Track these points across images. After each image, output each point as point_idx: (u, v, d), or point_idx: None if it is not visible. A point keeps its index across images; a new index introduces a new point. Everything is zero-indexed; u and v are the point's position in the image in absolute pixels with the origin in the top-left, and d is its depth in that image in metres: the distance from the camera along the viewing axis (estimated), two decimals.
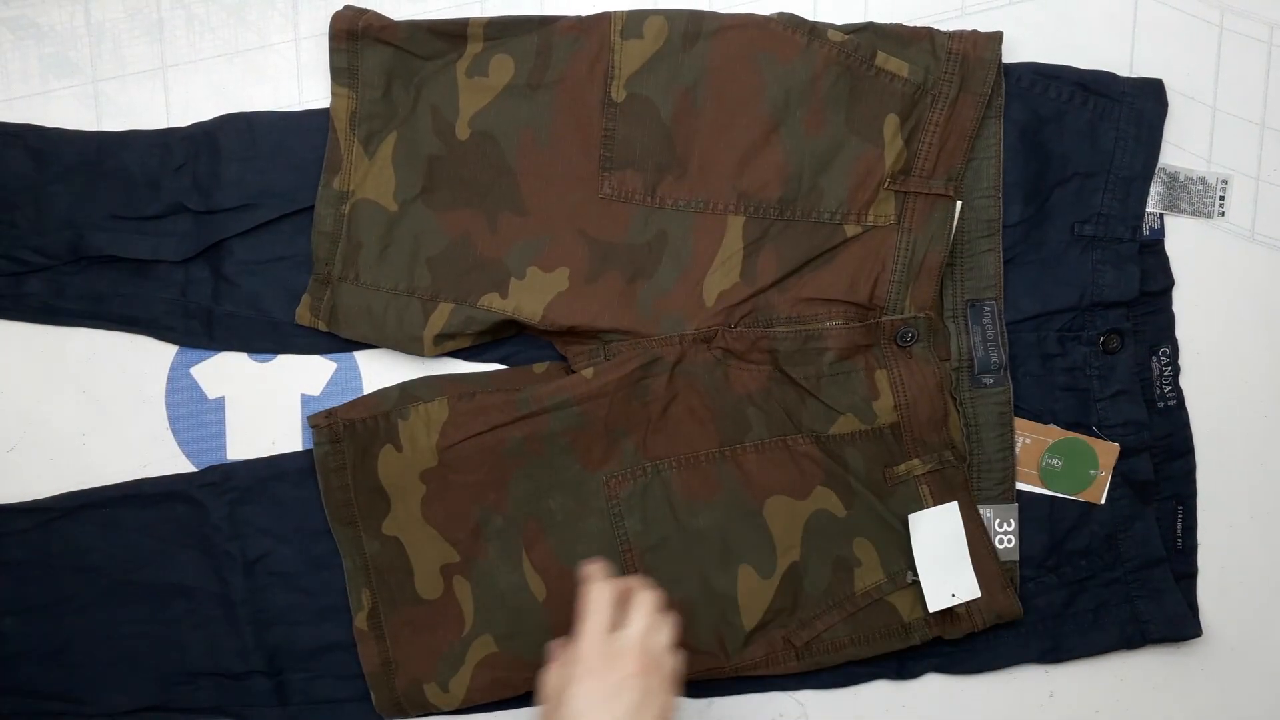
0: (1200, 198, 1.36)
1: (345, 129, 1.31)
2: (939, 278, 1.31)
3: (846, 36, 1.30)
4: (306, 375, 1.36)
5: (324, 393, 1.36)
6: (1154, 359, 1.36)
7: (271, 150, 1.33)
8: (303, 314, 1.33)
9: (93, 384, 1.36)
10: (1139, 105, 1.33)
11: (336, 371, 1.36)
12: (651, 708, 1.10)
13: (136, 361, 1.36)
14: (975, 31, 1.30)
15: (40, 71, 1.36)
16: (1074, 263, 1.34)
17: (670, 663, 1.15)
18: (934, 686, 1.37)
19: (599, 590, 1.16)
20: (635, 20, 1.30)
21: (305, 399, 1.36)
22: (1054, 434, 1.34)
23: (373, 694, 1.33)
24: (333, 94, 1.32)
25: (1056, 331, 1.34)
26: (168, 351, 1.36)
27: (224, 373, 1.36)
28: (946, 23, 1.35)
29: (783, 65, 1.29)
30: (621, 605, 1.16)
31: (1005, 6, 1.36)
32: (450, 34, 1.31)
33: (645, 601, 1.16)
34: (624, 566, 1.32)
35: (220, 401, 1.36)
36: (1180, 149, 1.36)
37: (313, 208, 1.32)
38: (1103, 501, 1.35)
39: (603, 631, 1.14)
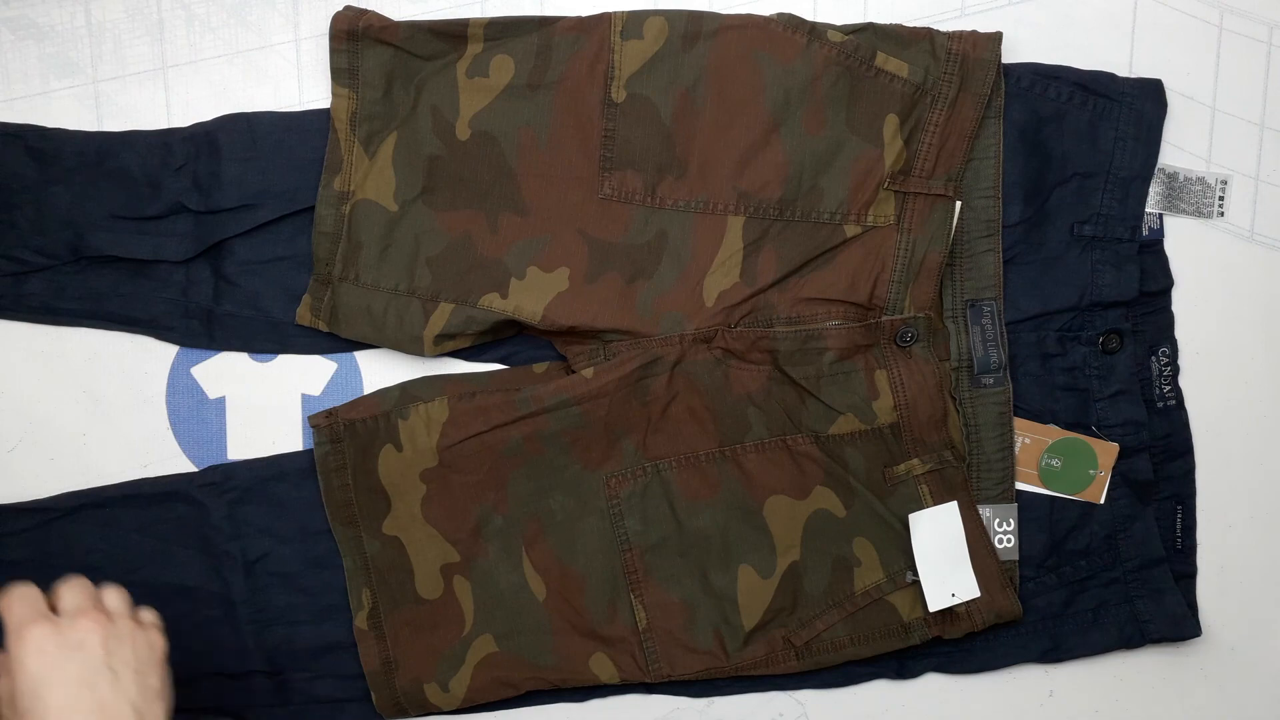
0: (1199, 198, 1.36)
1: (346, 129, 1.31)
2: (939, 278, 1.31)
3: (846, 37, 1.30)
4: (307, 375, 1.36)
5: (324, 393, 1.36)
6: (1153, 359, 1.36)
7: (272, 150, 1.33)
8: (303, 314, 1.33)
9: (93, 384, 1.36)
10: (1138, 105, 1.34)
11: (337, 371, 1.36)
12: (125, 653, 0.99)
13: (137, 361, 1.36)
14: (975, 32, 1.30)
15: (40, 71, 1.36)
16: (1074, 263, 1.34)
17: (145, 616, 1.04)
18: (934, 686, 1.37)
19: (17, 591, 1.01)
20: (635, 20, 1.30)
21: (305, 399, 1.36)
22: (1053, 434, 1.34)
23: (373, 694, 1.33)
24: (333, 94, 1.32)
25: (1056, 331, 1.34)
26: (168, 351, 1.36)
27: (224, 373, 1.36)
28: (946, 23, 1.35)
29: (783, 65, 1.29)
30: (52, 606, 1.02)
31: (1005, 6, 1.36)
32: (450, 34, 1.31)
33: (75, 580, 1.03)
34: (624, 566, 1.32)
35: (221, 401, 1.36)
36: (1180, 149, 1.36)
37: (313, 208, 1.32)
38: (1102, 501, 1.35)
39: (38, 610, 0.99)
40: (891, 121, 1.29)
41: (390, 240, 1.32)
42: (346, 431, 1.31)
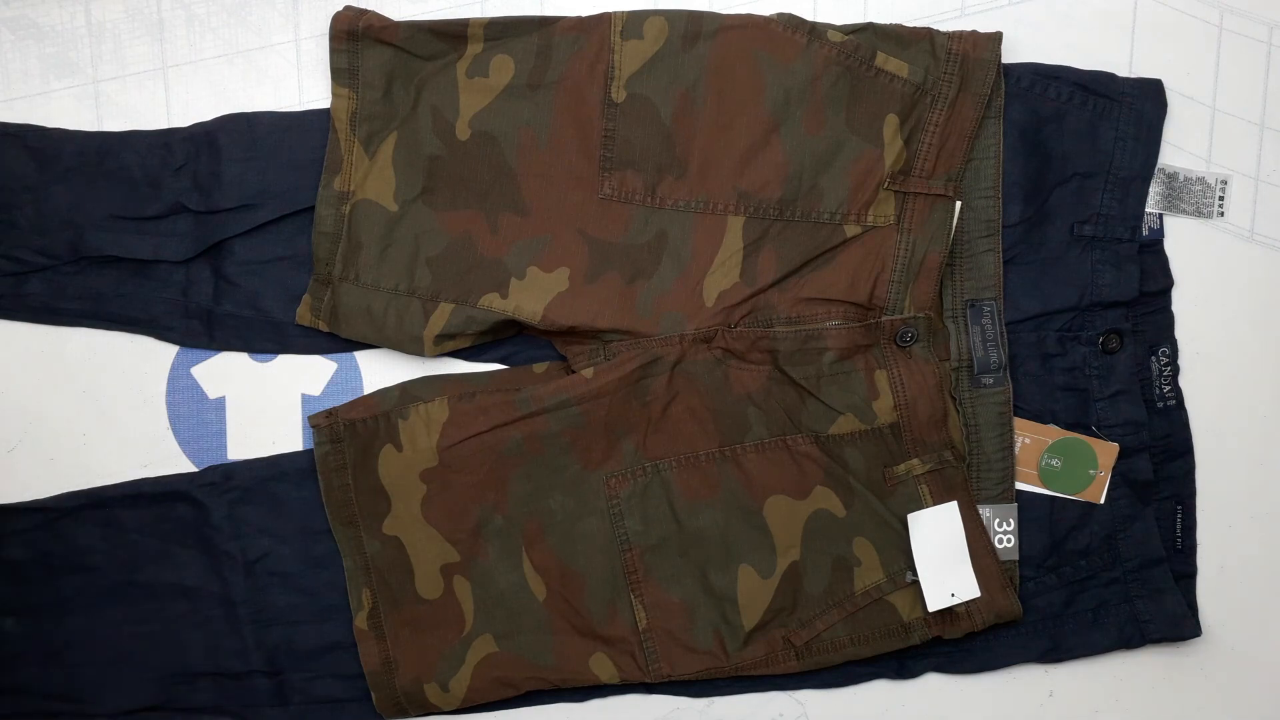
0: (1200, 198, 1.36)
1: (346, 129, 1.31)
2: (939, 278, 1.31)
3: (846, 37, 1.30)
4: (307, 375, 1.36)
5: (324, 393, 1.37)
6: (1153, 359, 1.36)
7: (271, 150, 1.33)
8: (303, 314, 1.33)
9: (93, 384, 1.36)
10: (1138, 105, 1.34)
11: (337, 371, 1.36)
12: None
13: (137, 361, 1.36)
14: (975, 32, 1.30)
15: (40, 71, 1.36)
16: (1074, 263, 1.34)
17: None
18: (934, 686, 1.37)
19: None
20: (635, 21, 1.30)
21: (306, 399, 1.37)
22: (1053, 434, 1.34)
23: (373, 694, 1.33)
24: (333, 94, 1.32)
25: (1056, 331, 1.34)
26: (168, 351, 1.36)
27: (224, 373, 1.36)
28: (946, 23, 1.35)
29: (783, 66, 1.30)
30: None
31: (1005, 6, 1.36)
32: (450, 34, 1.31)
33: None
34: (624, 566, 1.32)
35: (221, 401, 1.36)
36: (1180, 149, 1.36)
37: (313, 208, 1.32)
38: (1102, 501, 1.35)
39: None
40: (891, 121, 1.29)
41: (390, 240, 1.32)
42: (346, 431, 1.31)
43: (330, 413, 1.32)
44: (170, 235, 1.33)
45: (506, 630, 1.33)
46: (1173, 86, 1.35)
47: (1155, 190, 1.36)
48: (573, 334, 1.33)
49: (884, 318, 1.31)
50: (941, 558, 1.30)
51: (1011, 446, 1.33)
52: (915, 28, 1.31)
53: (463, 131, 1.31)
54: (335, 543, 1.33)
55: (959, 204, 1.30)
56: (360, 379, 1.37)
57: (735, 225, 1.31)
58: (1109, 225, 1.34)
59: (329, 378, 1.37)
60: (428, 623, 1.33)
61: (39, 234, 1.33)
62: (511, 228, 1.32)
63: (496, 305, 1.31)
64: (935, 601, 1.30)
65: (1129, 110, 1.34)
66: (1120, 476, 1.34)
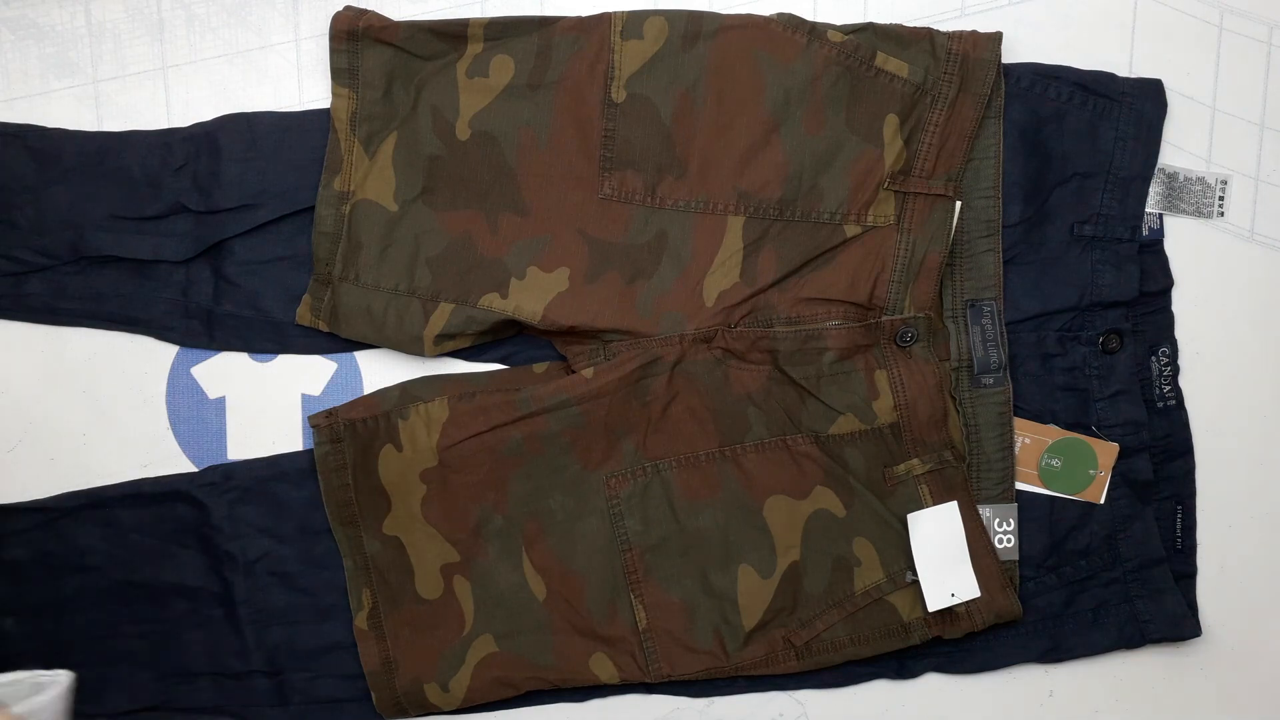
0: (1200, 198, 1.36)
1: (346, 129, 1.31)
2: (939, 278, 1.31)
3: (846, 37, 1.30)
4: (307, 375, 1.36)
5: (324, 393, 1.37)
6: (1153, 359, 1.36)
7: (272, 150, 1.33)
8: (303, 314, 1.33)
9: (93, 384, 1.36)
10: (1138, 105, 1.34)
11: (337, 371, 1.37)
12: None
13: (137, 361, 1.36)
14: (975, 32, 1.30)
15: (40, 71, 1.36)
16: (1074, 263, 1.34)
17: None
18: (934, 686, 1.37)
19: None
20: (635, 21, 1.30)
21: (305, 399, 1.37)
22: (1053, 434, 1.34)
23: (373, 694, 1.33)
24: (333, 94, 1.32)
25: (1056, 331, 1.34)
26: (168, 351, 1.36)
27: (224, 373, 1.36)
28: (946, 23, 1.35)
29: (783, 66, 1.30)
30: None
31: (1005, 7, 1.36)
32: (450, 34, 1.31)
33: None
34: (624, 566, 1.32)
35: (221, 401, 1.36)
36: (1180, 149, 1.36)
37: (313, 208, 1.32)
38: (1102, 501, 1.35)
39: None
40: (891, 121, 1.29)
41: (390, 240, 1.32)
42: (346, 431, 1.31)
43: (330, 413, 1.32)
44: (170, 235, 1.33)
45: (506, 630, 1.33)
46: (1173, 86, 1.35)
47: (1155, 190, 1.36)
48: (573, 334, 1.33)
49: (884, 318, 1.31)
50: (941, 558, 1.30)
51: (1011, 446, 1.33)
52: (915, 28, 1.31)
53: (463, 131, 1.31)
54: (335, 543, 1.33)
55: (959, 204, 1.30)
56: (360, 379, 1.37)
57: (735, 225, 1.31)
58: (1109, 225, 1.34)
59: (329, 378, 1.37)
60: (428, 623, 1.33)
61: (39, 234, 1.33)
62: (511, 228, 1.32)
63: (496, 305, 1.31)
64: (935, 601, 1.30)
65: (1129, 110, 1.34)
66: (1120, 476, 1.34)
